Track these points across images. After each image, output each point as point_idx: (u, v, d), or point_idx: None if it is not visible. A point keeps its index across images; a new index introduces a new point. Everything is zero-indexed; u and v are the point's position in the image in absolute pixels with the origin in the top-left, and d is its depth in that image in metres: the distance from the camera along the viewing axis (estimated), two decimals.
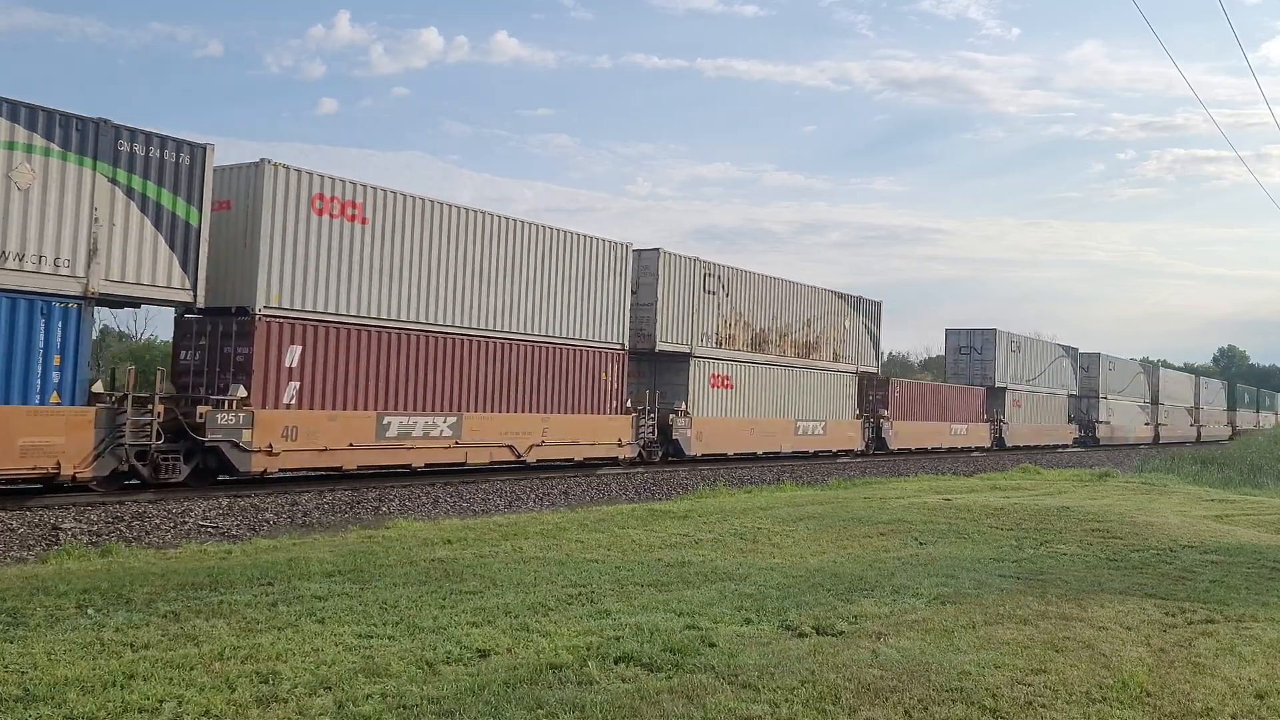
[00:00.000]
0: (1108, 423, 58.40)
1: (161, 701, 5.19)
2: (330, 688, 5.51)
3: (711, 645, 6.54)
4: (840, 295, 35.05)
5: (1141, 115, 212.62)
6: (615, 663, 6.09)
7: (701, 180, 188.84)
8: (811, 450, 33.12)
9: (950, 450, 41.78)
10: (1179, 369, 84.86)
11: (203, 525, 13.93)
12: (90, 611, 7.20)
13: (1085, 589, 9.05)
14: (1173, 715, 5.59)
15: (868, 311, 36.58)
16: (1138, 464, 37.60)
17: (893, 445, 37.11)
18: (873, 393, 36.86)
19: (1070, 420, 54.98)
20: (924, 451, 39.70)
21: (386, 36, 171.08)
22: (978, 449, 43.99)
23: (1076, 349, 57.44)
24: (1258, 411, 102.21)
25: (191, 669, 5.77)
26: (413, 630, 6.83)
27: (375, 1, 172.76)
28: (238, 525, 14.09)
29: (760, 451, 30.23)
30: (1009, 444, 45.94)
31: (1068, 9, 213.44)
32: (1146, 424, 65.78)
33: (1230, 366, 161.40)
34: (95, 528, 13.11)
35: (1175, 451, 46.66)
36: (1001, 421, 45.85)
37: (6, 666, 5.74)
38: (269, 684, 5.53)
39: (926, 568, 9.98)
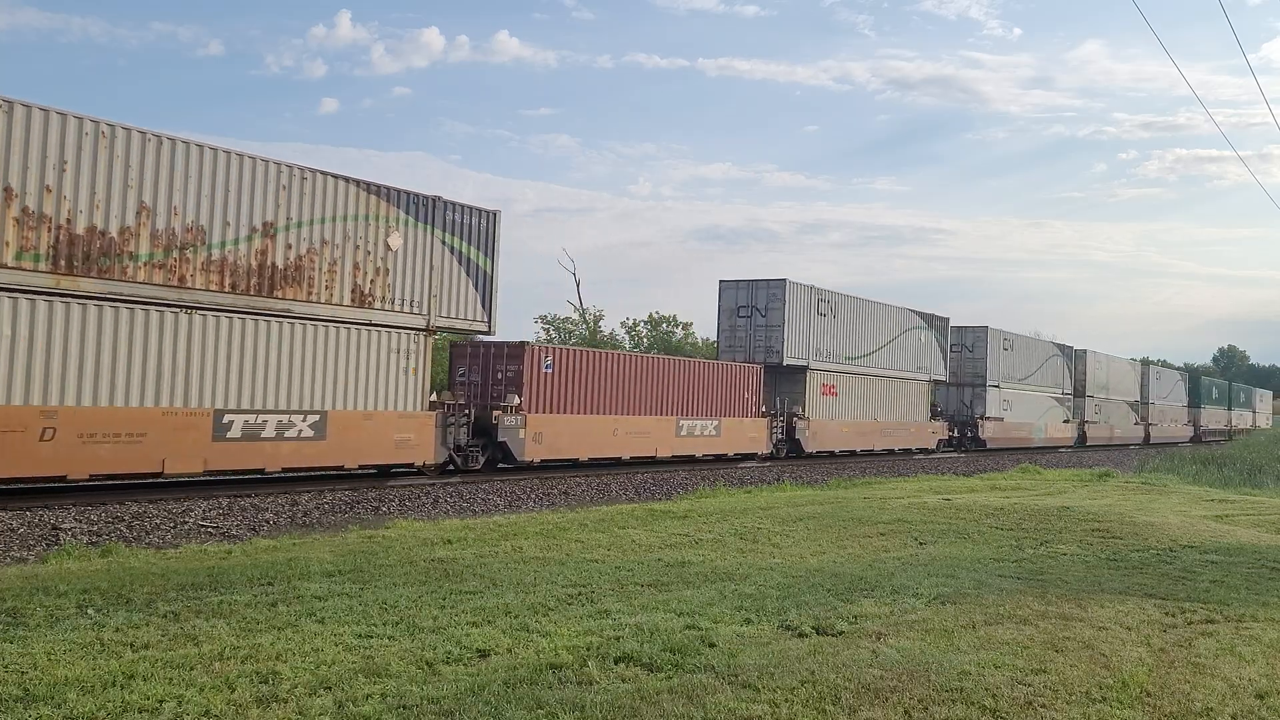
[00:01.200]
0: (998, 419, 44.88)
1: (161, 701, 5.19)
2: (330, 688, 5.51)
3: (711, 645, 6.55)
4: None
5: (1144, 115, 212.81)
6: (615, 663, 6.09)
7: (703, 180, 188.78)
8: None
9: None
10: (1129, 360, 66.46)
11: (203, 525, 13.92)
12: (90, 611, 7.20)
13: (1085, 589, 9.05)
14: (1173, 715, 5.59)
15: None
16: (1138, 464, 37.63)
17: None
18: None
19: (936, 415, 42.12)
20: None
21: (388, 36, 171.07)
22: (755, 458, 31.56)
23: (947, 319, 42.15)
24: (1229, 409, 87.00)
25: (191, 669, 5.77)
26: (413, 630, 6.83)
27: (376, 1, 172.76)
28: (238, 525, 14.09)
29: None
30: (808, 450, 32.29)
31: (1069, 9, 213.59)
32: (1066, 422, 52.93)
33: (1230, 366, 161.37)
34: (95, 528, 13.11)
35: (1173, 452, 46.63)
36: (796, 416, 32.15)
37: (6, 666, 5.74)
38: (269, 684, 5.53)
39: (926, 568, 9.98)
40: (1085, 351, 56.33)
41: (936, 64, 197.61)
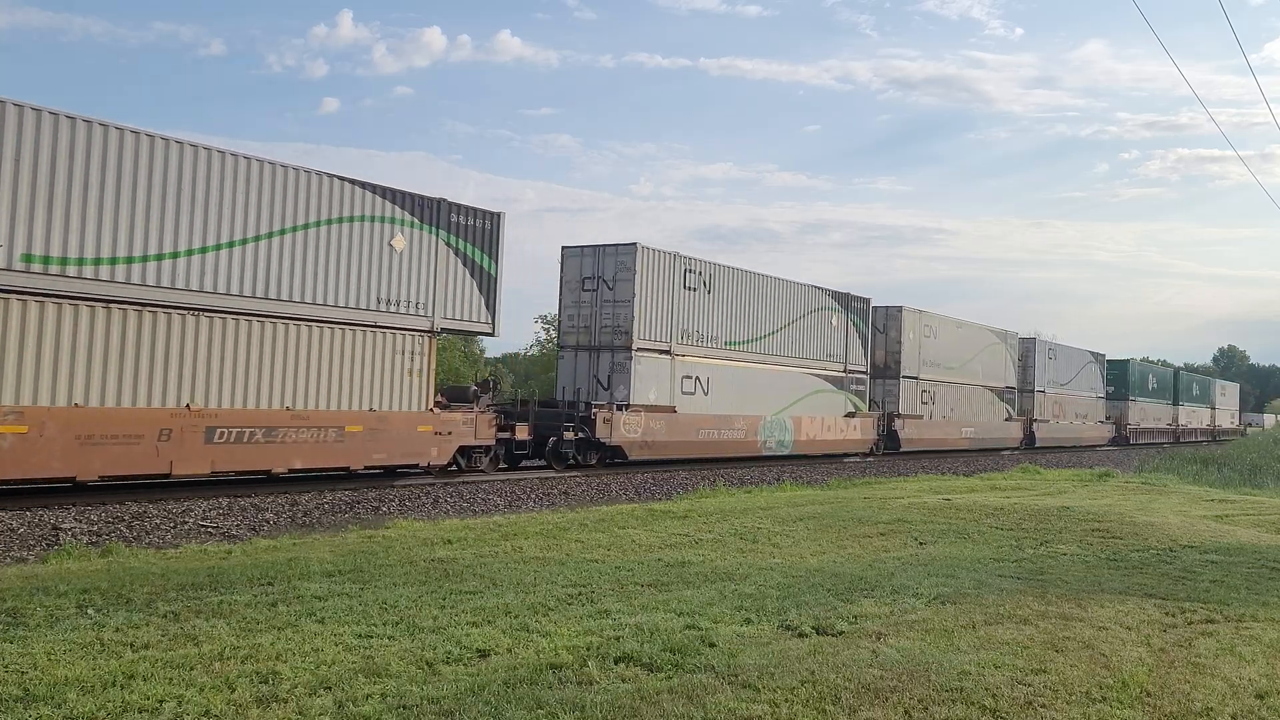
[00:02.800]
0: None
1: (161, 701, 5.19)
2: (330, 688, 5.51)
3: (711, 645, 6.55)
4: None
5: (1146, 115, 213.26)
6: (615, 663, 6.09)
7: (704, 180, 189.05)
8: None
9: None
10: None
11: (203, 525, 13.93)
12: (90, 611, 7.20)
13: (1085, 589, 9.05)
14: (1173, 715, 5.60)
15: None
16: (1138, 463, 37.61)
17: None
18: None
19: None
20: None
21: (389, 36, 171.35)
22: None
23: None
24: (1175, 404, 70.91)
25: (191, 669, 5.77)
26: (413, 630, 6.83)
27: (378, 0, 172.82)
28: (238, 525, 14.09)
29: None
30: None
31: (1072, 9, 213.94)
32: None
33: (1230, 366, 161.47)
34: (95, 528, 13.11)
35: (1173, 452, 46.54)
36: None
37: (6, 666, 5.74)
38: (269, 684, 5.53)
39: (926, 568, 9.98)
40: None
41: (939, 64, 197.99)
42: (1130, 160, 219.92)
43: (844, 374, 34.32)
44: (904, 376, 37.29)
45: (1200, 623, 7.84)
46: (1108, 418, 58.96)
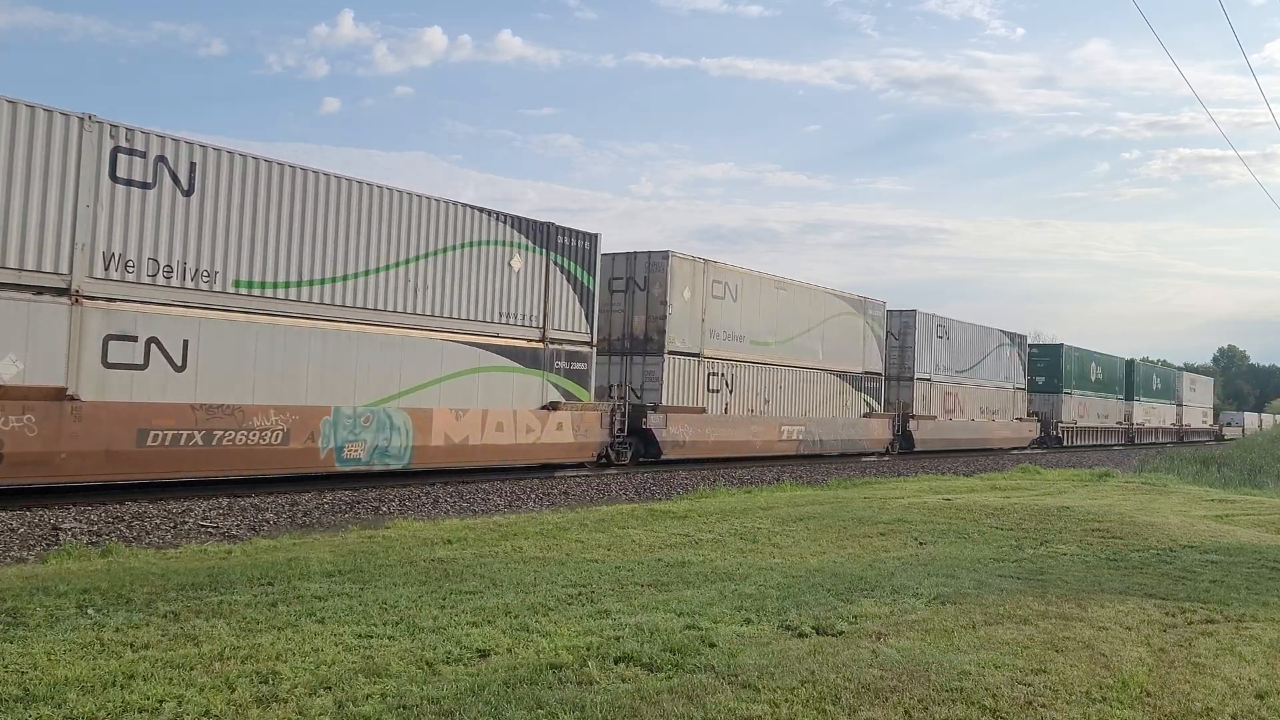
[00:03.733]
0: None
1: (161, 701, 5.19)
2: (330, 688, 5.51)
3: (711, 645, 6.55)
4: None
5: (1148, 114, 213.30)
6: (615, 663, 6.09)
7: (705, 180, 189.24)
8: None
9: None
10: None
11: (203, 525, 13.93)
12: (90, 611, 7.20)
13: (1085, 589, 9.06)
14: (1173, 715, 5.60)
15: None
16: (1138, 463, 37.62)
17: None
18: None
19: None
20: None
21: (390, 35, 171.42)
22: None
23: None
24: (1127, 400, 61.72)
25: (191, 669, 5.77)
26: (413, 630, 6.83)
27: (379, 0, 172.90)
28: (238, 525, 14.09)
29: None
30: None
31: (1073, 9, 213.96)
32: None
33: (1230, 366, 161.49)
34: (95, 528, 13.11)
35: (1173, 452, 46.49)
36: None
37: (6, 666, 5.74)
38: (269, 684, 5.53)
39: (926, 568, 9.98)
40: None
41: (940, 63, 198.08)
42: (1131, 160, 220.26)
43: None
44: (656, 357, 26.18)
45: (1200, 623, 7.84)
46: (1032, 414, 48.90)
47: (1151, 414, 67.35)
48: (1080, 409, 54.86)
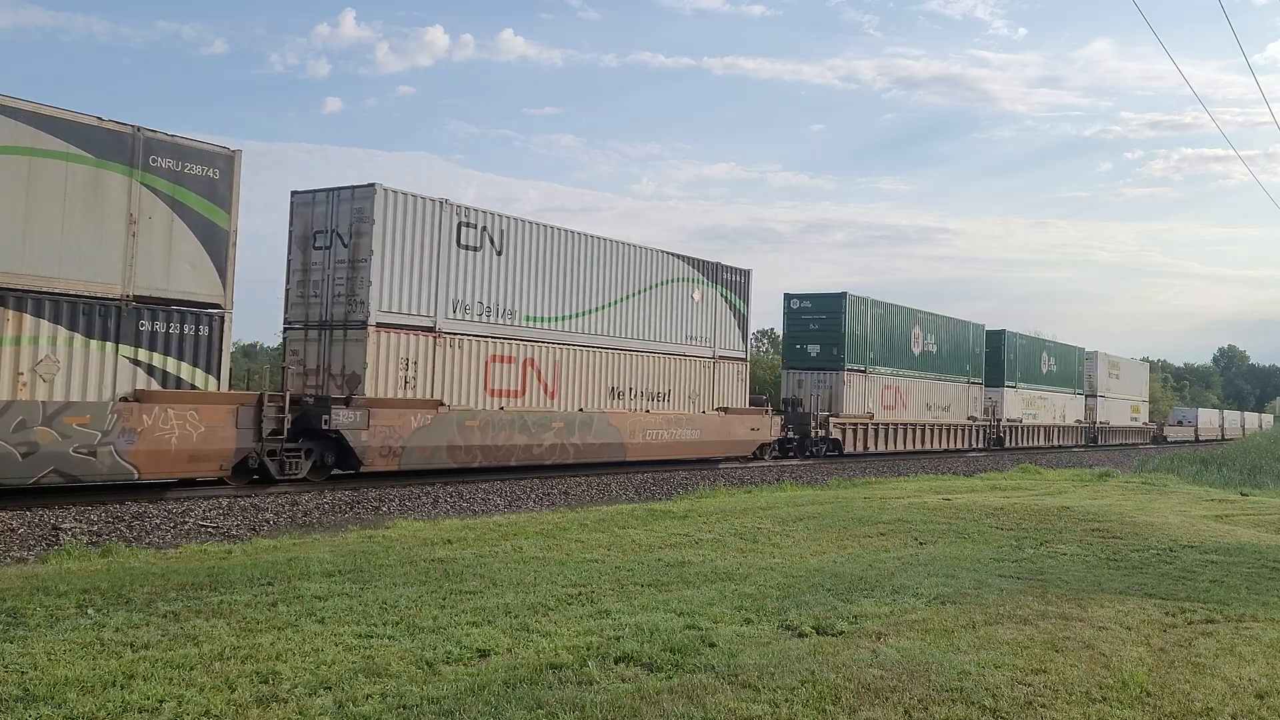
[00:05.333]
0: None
1: (161, 701, 5.19)
2: (330, 688, 5.51)
3: (711, 645, 6.55)
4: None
5: (1151, 114, 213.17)
6: (615, 663, 6.09)
7: (707, 180, 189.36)
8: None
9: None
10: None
11: (203, 525, 13.93)
12: (90, 611, 7.20)
13: (1085, 589, 9.06)
14: (1173, 715, 5.60)
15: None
16: (1138, 463, 37.61)
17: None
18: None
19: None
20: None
21: (392, 35, 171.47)
22: None
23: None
24: (984, 385, 45.04)
25: (191, 669, 5.77)
26: (413, 630, 6.83)
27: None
28: (238, 525, 14.10)
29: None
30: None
31: (1076, 8, 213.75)
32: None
33: (1230, 366, 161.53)
34: (95, 528, 13.11)
35: (1173, 452, 46.37)
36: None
37: (6, 666, 5.74)
38: (269, 684, 5.53)
39: (926, 568, 9.98)
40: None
41: (944, 62, 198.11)
42: (1134, 160, 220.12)
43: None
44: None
45: (1200, 623, 7.84)
46: (769, 404, 32.28)
47: (1037, 407, 49.76)
48: (893, 396, 38.67)
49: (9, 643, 6.26)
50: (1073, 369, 56.96)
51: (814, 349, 36.33)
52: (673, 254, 27.53)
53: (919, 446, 39.85)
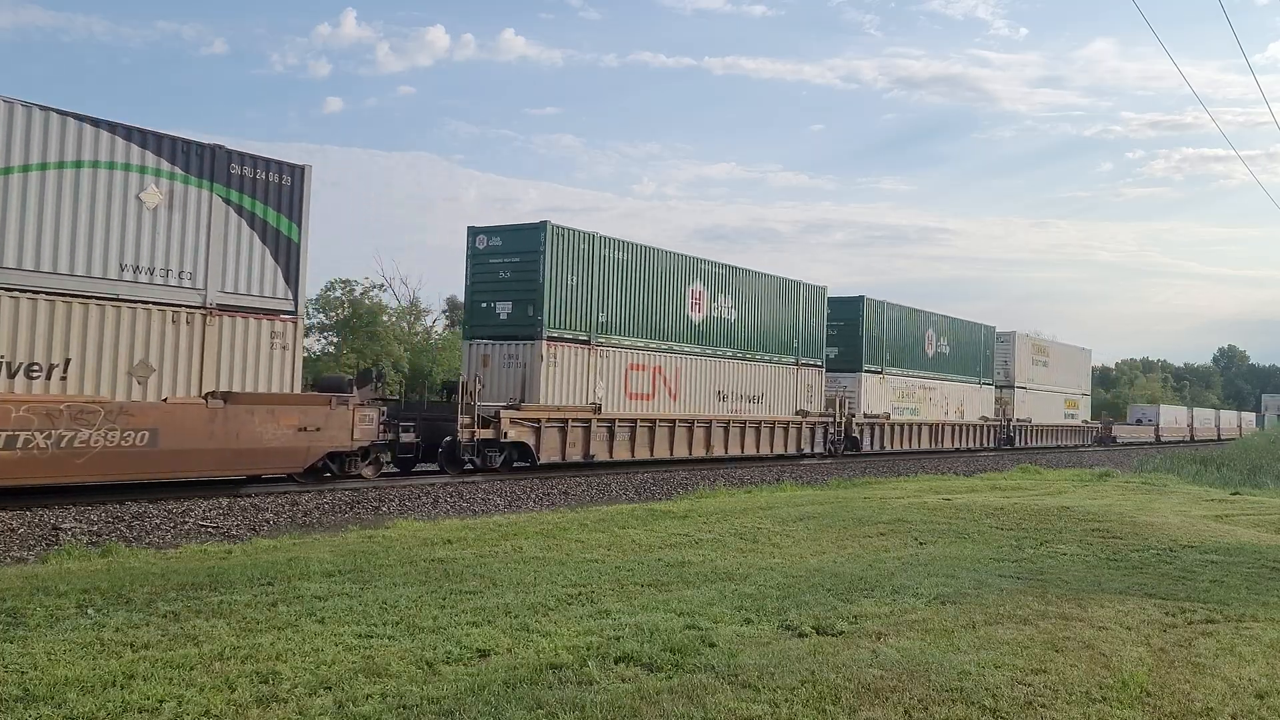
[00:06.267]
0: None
1: (161, 701, 5.19)
2: (330, 688, 5.51)
3: (711, 645, 6.54)
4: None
5: (1152, 114, 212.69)
6: (615, 663, 6.09)
7: (707, 180, 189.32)
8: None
9: None
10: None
11: (203, 525, 13.93)
12: (90, 611, 7.20)
13: (1085, 589, 9.05)
14: (1173, 715, 5.59)
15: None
16: (1138, 463, 37.61)
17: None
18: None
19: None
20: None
21: (393, 35, 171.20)
22: None
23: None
24: (876, 372, 36.48)
25: (191, 669, 5.77)
26: (413, 630, 6.83)
27: None
28: (238, 525, 14.09)
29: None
30: None
31: (1077, 8, 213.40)
32: None
33: (1230, 366, 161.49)
34: (95, 528, 13.11)
35: (1173, 452, 46.29)
36: None
37: (6, 666, 5.74)
38: (269, 684, 5.53)
39: (926, 567, 9.98)
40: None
41: (944, 62, 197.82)
42: (1135, 160, 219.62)
43: None
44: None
45: (1200, 623, 7.84)
46: (358, 388, 19.27)
47: (920, 398, 39.77)
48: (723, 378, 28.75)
49: (9, 643, 6.25)
50: (976, 353, 44.66)
51: (505, 308, 23.57)
52: (80, 116, 15.02)
53: (677, 453, 26.26)
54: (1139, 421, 71.41)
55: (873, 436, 36.43)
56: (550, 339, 22.98)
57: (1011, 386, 48.97)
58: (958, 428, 42.91)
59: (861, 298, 35.92)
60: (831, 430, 33.51)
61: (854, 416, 35.07)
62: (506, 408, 22.00)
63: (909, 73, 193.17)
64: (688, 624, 7.13)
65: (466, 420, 20.95)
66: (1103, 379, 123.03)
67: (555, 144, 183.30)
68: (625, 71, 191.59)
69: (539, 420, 22.40)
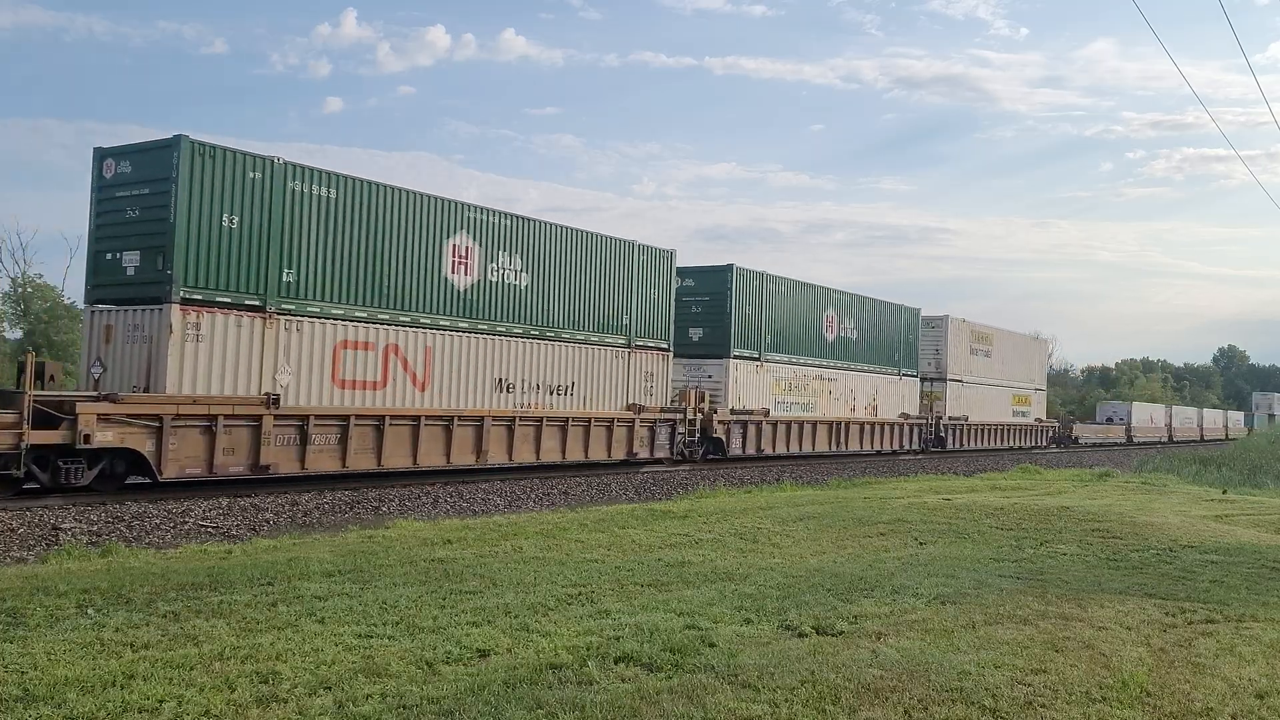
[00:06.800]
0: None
1: (161, 701, 5.19)
2: (330, 688, 5.51)
3: (711, 645, 6.54)
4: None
5: (1152, 114, 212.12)
6: (615, 663, 6.09)
7: (707, 180, 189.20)
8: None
9: None
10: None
11: (203, 525, 13.93)
12: (90, 611, 7.20)
13: (1085, 589, 9.05)
14: (1173, 715, 5.60)
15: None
16: (1138, 463, 37.61)
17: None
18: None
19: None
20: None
21: (393, 34, 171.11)
22: None
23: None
24: (751, 358, 29.82)
25: (191, 669, 5.77)
26: (413, 630, 6.83)
27: None
28: (238, 525, 14.09)
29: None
30: None
31: (1077, 8, 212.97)
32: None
33: (1230, 366, 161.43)
34: (95, 528, 13.11)
35: (1174, 451, 46.29)
36: None
37: (6, 666, 5.74)
38: (269, 684, 5.53)
39: (926, 568, 9.98)
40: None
41: (945, 62, 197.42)
42: (1135, 160, 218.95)
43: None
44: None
45: (1200, 623, 7.84)
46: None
47: (814, 390, 33.27)
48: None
49: (9, 643, 6.25)
50: (895, 339, 38.04)
51: (132, 260, 16.93)
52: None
53: (425, 460, 19.81)
54: (1109, 420, 65.26)
55: (744, 437, 28.80)
56: (188, 303, 16.28)
57: (943, 379, 41.80)
58: (870, 427, 35.69)
59: (730, 266, 28.86)
60: (682, 429, 26.32)
61: (715, 412, 27.78)
62: (89, 398, 15.09)
63: (909, 73, 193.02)
64: (688, 624, 7.13)
65: (9, 418, 14.11)
66: (1103, 379, 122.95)
67: (555, 144, 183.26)
68: (625, 71, 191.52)
69: (159, 417, 15.44)
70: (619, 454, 24.65)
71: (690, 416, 26.57)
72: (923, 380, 40.55)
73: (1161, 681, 6.17)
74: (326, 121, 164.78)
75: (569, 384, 23.63)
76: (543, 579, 8.86)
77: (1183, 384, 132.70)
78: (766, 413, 30.06)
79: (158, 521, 13.86)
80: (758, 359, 30.33)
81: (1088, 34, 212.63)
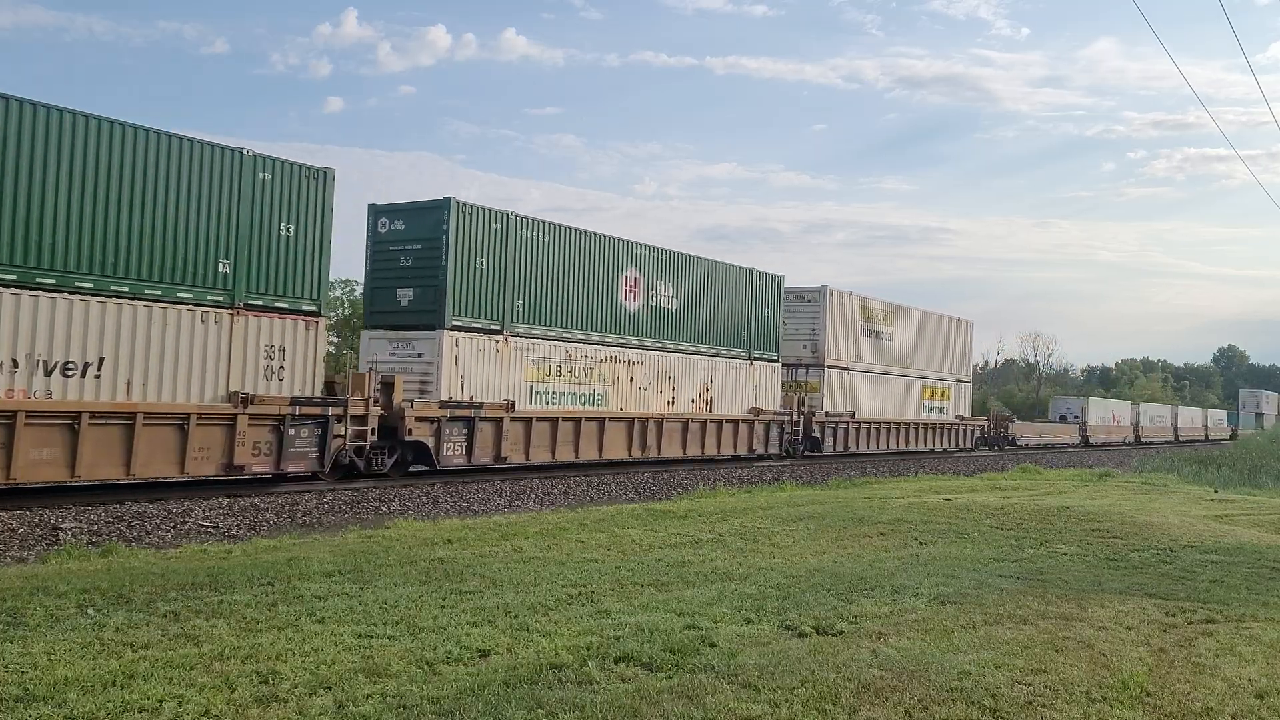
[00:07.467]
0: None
1: (161, 701, 5.19)
2: (330, 688, 5.51)
3: (711, 645, 6.54)
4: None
5: (1154, 114, 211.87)
6: (615, 662, 6.09)
7: (709, 180, 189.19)
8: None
9: None
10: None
11: (203, 525, 13.93)
12: (90, 611, 7.20)
13: (1085, 589, 9.06)
14: (1173, 715, 5.60)
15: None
16: (1138, 463, 37.61)
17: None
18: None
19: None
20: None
21: (394, 34, 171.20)
22: None
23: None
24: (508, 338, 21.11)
25: (191, 669, 5.77)
26: (413, 630, 6.83)
27: None
28: (238, 525, 14.09)
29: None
30: None
31: (1078, 8, 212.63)
32: None
33: (1230, 366, 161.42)
34: (95, 527, 13.11)
35: (1174, 451, 46.25)
36: None
37: (6, 666, 5.74)
38: (269, 684, 5.53)
39: (926, 567, 9.98)
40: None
41: (946, 62, 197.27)
42: (1137, 160, 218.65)
43: None
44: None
45: (1200, 623, 7.84)
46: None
47: (644, 377, 25.80)
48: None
49: (9, 643, 6.25)
50: (741, 314, 29.61)
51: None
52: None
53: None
54: (1061, 419, 57.53)
55: (470, 441, 20.75)
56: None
57: (820, 366, 33.30)
58: (704, 425, 27.53)
59: (449, 200, 20.90)
60: (341, 434, 18.26)
61: (408, 407, 19.63)
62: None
63: (911, 72, 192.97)
64: (688, 624, 7.13)
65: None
66: (1103, 379, 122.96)
67: (556, 144, 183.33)
68: (626, 71, 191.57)
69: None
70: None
71: (368, 410, 18.62)
72: (790, 368, 32.65)
73: (1161, 681, 6.17)
74: (327, 121, 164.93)
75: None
76: (543, 579, 8.86)
77: (1183, 384, 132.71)
78: (511, 406, 21.75)
79: (158, 521, 13.87)
80: (499, 332, 21.95)
81: (1089, 34, 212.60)
